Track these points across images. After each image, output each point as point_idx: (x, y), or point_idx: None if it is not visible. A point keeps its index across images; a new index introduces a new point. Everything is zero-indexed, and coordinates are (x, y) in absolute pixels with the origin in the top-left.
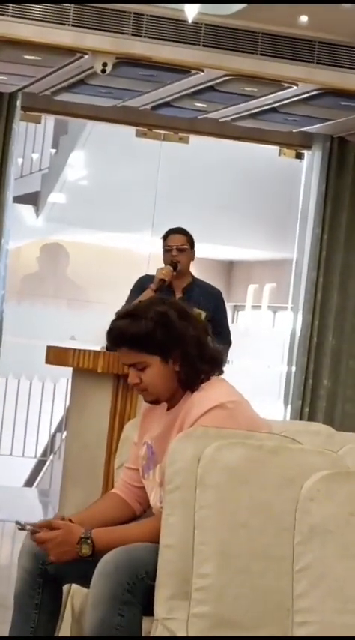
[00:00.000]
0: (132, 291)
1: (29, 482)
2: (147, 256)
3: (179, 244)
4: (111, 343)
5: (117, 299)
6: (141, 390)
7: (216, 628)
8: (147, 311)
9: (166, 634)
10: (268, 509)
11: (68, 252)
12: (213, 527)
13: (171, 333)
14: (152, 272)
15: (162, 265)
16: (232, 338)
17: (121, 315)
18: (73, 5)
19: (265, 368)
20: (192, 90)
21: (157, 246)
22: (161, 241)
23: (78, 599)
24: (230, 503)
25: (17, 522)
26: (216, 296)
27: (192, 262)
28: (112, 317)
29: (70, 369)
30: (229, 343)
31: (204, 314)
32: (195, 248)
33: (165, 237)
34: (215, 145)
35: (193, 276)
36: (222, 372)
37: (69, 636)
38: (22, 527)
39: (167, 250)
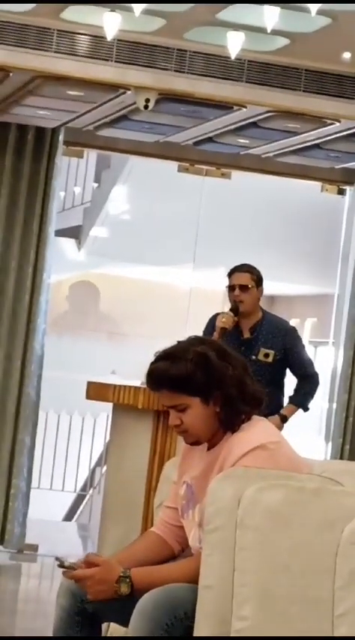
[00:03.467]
0: (203, 332)
1: (69, 517)
2: (189, 291)
3: (242, 283)
4: (151, 385)
5: (157, 333)
6: (181, 432)
7: None
8: (186, 352)
9: None
10: (309, 552)
11: (109, 286)
12: (252, 569)
13: (211, 374)
14: (197, 306)
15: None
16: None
17: (161, 357)
18: (115, 41)
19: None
20: (235, 126)
21: (198, 281)
22: (226, 279)
23: (116, 638)
24: (270, 545)
25: (57, 558)
26: (286, 332)
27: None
28: (153, 351)
29: (110, 404)
30: (311, 375)
31: (271, 354)
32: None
33: (229, 275)
34: (257, 180)
35: (264, 313)
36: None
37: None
38: (61, 564)
39: (230, 289)
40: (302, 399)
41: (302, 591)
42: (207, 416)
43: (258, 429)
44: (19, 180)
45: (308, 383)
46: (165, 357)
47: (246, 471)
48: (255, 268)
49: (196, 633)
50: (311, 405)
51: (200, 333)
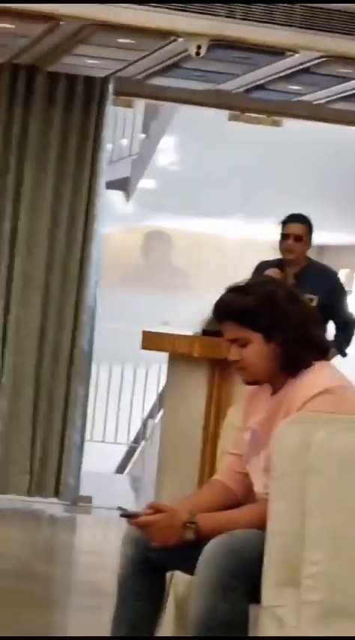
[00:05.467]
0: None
1: (120, 469)
2: (240, 241)
3: (296, 233)
4: (216, 315)
5: (208, 284)
6: (240, 369)
7: (328, 616)
8: (255, 288)
9: (274, 621)
10: None
11: (159, 238)
12: (324, 513)
13: (276, 312)
14: (248, 256)
15: (279, 245)
16: None
17: (231, 289)
18: None
19: None
20: (287, 72)
21: (249, 232)
22: (280, 226)
23: (181, 586)
24: (341, 490)
25: (120, 508)
26: (330, 278)
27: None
28: (203, 302)
29: (162, 355)
30: (351, 321)
31: (315, 299)
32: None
33: (283, 223)
34: (309, 128)
35: (309, 260)
36: (327, 359)
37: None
38: (124, 513)
39: (284, 237)
40: (341, 344)
41: None
42: (267, 355)
43: (323, 373)
44: (69, 131)
45: (347, 329)
46: (235, 289)
47: (313, 415)
48: (308, 219)
49: (264, 579)
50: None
51: None
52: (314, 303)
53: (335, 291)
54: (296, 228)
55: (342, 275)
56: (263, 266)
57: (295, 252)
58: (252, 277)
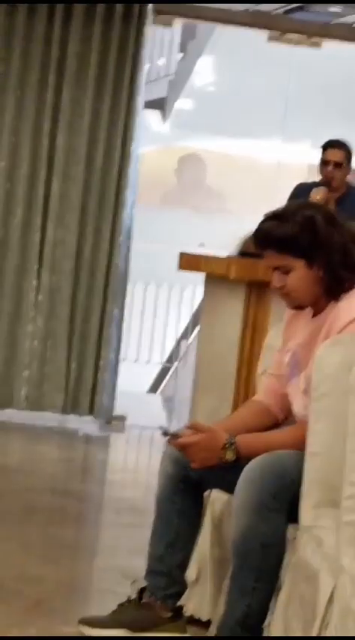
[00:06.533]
0: (289, 200)
1: (153, 389)
2: (277, 164)
3: (336, 160)
4: (257, 244)
5: (244, 206)
6: (283, 295)
7: None
8: (294, 214)
9: (312, 541)
10: None
11: (195, 159)
12: None
13: (316, 237)
14: (284, 179)
15: (319, 172)
16: None
17: (269, 217)
18: None
19: None
20: None
21: (287, 154)
22: (320, 151)
23: (218, 505)
24: None
25: (161, 427)
26: None
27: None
28: (239, 224)
29: (197, 277)
30: None
31: None
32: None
33: (324, 149)
34: (348, 50)
35: (349, 186)
36: None
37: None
38: (165, 432)
39: (324, 163)
40: None
41: None
42: (310, 279)
43: None
44: (108, 48)
45: None
46: (274, 217)
47: (353, 336)
48: (349, 144)
49: (303, 500)
50: None
51: None
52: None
53: None
54: (336, 155)
55: None
56: (302, 188)
57: (335, 179)
58: (289, 201)
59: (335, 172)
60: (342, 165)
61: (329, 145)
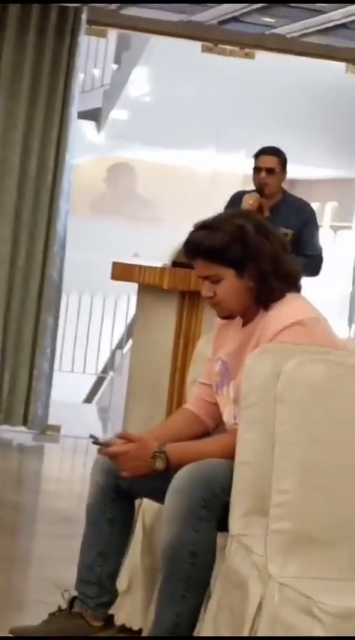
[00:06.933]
0: (225, 209)
1: (89, 399)
2: (211, 174)
3: (268, 166)
4: (187, 254)
5: (179, 216)
6: (214, 304)
7: (295, 544)
8: (224, 223)
9: (241, 550)
10: (350, 426)
11: (130, 169)
12: (293, 443)
13: (247, 247)
14: (219, 189)
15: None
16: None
17: (199, 227)
18: None
19: (328, 288)
20: (260, 5)
21: (221, 164)
22: (253, 160)
23: (149, 514)
24: (311, 420)
25: (91, 436)
26: (305, 211)
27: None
28: (174, 235)
29: (131, 286)
30: (316, 256)
31: (290, 233)
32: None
33: (256, 156)
34: (281, 61)
35: (284, 193)
36: (299, 289)
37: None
38: (96, 441)
39: (256, 170)
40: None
41: (343, 464)
42: (241, 289)
43: (295, 305)
44: (42, 59)
45: (311, 262)
46: (204, 226)
47: (283, 346)
48: (281, 151)
49: (232, 508)
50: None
51: None
52: (288, 238)
53: (308, 223)
54: (268, 161)
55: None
56: (238, 196)
57: (268, 186)
58: (225, 209)
59: (267, 179)
60: (275, 172)
61: (261, 152)
